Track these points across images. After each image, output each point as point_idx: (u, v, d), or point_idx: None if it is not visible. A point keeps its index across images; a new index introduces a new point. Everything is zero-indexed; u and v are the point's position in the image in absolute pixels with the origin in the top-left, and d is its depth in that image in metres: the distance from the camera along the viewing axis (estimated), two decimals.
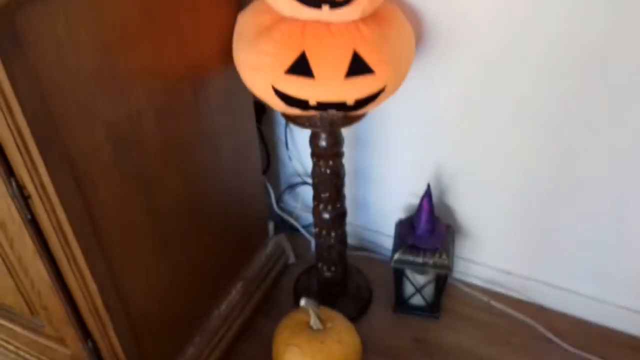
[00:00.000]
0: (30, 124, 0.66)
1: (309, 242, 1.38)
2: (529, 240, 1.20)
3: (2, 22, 0.60)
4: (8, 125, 0.67)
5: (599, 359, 1.15)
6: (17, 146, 0.69)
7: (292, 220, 1.40)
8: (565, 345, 1.18)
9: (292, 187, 1.39)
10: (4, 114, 0.66)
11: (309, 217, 1.36)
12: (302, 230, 1.40)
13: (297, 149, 1.32)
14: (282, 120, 1.28)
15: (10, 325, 1.04)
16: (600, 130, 0.99)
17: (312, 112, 0.91)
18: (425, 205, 1.11)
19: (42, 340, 1.02)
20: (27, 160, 0.70)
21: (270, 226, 1.32)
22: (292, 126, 1.28)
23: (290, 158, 1.33)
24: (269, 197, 1.36)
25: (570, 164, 1.06)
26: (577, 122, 1.00)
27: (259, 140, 1.23)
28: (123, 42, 0.77)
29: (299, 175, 1.35)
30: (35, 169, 0.71)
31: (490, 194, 1.17)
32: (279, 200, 1.40)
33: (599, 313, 1.21)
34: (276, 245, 1.31)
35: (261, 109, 1.25)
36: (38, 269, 0.84)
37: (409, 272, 1.18)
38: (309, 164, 1.13)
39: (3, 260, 0.89)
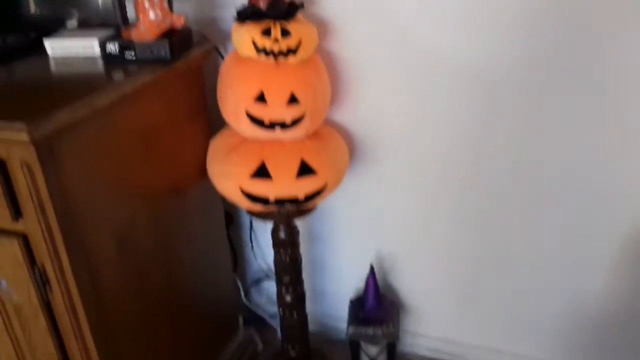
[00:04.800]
0: (58, 219, 0.88)
1: (275, 332, 1.56)
2: (466, 311, 1.42)
3: (45, 146, 0.84)
4: (39, 222, 0.89)
5: None
6: (44, 238, 0.90)
7: (259, 311, 1.59)
8: None
9: (257, 281, 1.59)
10: (37, 213, 0.88)
11: (273, 310, 1.56)
12: (269, 320, 1.58)
13: (261, 250, 1.55)
14: (247, 226, 1.53)
15: None
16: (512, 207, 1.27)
17: (272, 208, 1.16)
18: (371, 283, 1.34)
19: None
20: (52, 250, 0.91)
21: (240, 320, 1.50)
22: (255, 230, 1.53)
23: (255, 257, 1.55)
24: (238, 293, 1.55)
25: (491, 244, 1.31)
26: (491, 203, 1.28)
27: (228, 244, 1.45)
28: (125, 162, 1.02)
29: (264, 271, 1.57)
30: (58, 257, 0.91)
31: (426, 273, 1.41)
32: (246, 294, 1.60)
33: None
34: (246, 334, 1.49)
35: (229, 217, 1.49)
36: (47, 348, 1.01)
37: (363, 345, 1.36)
38: (271, 261, 1.34)
39: (13, 346, 1.05)
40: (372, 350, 1.37)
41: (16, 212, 0.89)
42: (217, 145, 1.19)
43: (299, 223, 1.31)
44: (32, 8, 1.01)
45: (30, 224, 0.89)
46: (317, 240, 1.48)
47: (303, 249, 1.33)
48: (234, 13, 1.07)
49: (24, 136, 0.79)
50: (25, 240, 0.92)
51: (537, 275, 1.31)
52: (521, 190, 1.23)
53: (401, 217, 1.36)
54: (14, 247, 0.92)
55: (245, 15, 1.06)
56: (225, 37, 1.27)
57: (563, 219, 1.22)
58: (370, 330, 1.33)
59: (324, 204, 1.40)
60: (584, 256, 1.25)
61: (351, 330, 1.34)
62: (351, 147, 1.30)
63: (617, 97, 1.08)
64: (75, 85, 0.96)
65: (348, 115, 1.28)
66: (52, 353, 1.02)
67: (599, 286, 1.27)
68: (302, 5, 1.09)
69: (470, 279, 1.38)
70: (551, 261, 1.28)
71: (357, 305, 1.37)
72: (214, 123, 1.23)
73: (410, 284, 1.44)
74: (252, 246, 1.54)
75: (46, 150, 0.84)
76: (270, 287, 1.56)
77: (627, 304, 1.26)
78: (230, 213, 1.50)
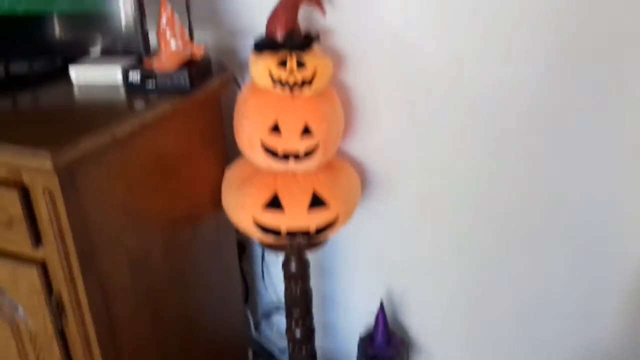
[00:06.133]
0: (76, 247, 0.89)
1: None
2: (475, 352, 1.40)
3: (67, 174, 0.85)
4: (58, 250, 0.89)
5: None
6: (62, 266, 0.91)
7: (268, 345, 1.57)
8: None
9: (268, 314, 1.58)
10: (56, 240, 0.89)
11: (283, 344, 1.55)
12: (278, 355, 1.57)
13: (272, 281, 1.55)
14: (260, 257, 1.53)
15: None
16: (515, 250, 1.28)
17: (283, 239, 1.16)
18: (380, 320, 1.33)
19: None
20: (68, 279, 0.91)
21: (250, 353, 1.49)
22: (267, 262, 1.53)
23: (266, 288, 1.55)
24: (249, 325, 1.54)
25: (500, 286, 1.31)
26: (500, 241, 1.28)
27: (240, 275, 1.45)
28: (143, 190, 1.03)
29: (274, 304, 1.56)
30: (74, 286, 0.92)
31: (436, 311, 1.40)
32: (257, 326, 1.59)
33: None
34: None
35: (241, 248, 1.50)
36: None
37: None
38: (282, 293, 1.34)
39: None
40: None
41: (36, 239, 0.90)
42: (231, 176, 1.21)
43: (310, 256, 1.32)
44: (58, 33, 1.05)
45: (49, 251, 0.91)
46: (328, 274, 1.48)
47: (313, 282, 1.34)
48: (252, 43, 1.10)
49: (47, 164, 0.81)
50: (43, 268, 0.93)
51: (546, 320, 1.30)
52: (531, 230, 1.23)
53: (412, 252, 1.36)
54: (32, 275, 0.93)
55: (262, 46, 1.09)
56: (244, 65, 1.30)
57: (573, 264, 1.22)
58: None
59: (335, 237, 1.41)
60: (593, 303, 1.23)
61: None
62: (363, 179, 1.32)
63: (633, 134, 1.09)
64: (98, 113, 0.99)
65: (360, 146, 1.30)
66: None
67: (608, 336, 1.25)
68: (318, 37, 1.13)
69: (480, 320, 1.36)
70: (560, 306, 1.27)
71: (367, 342, 1.36)
72: (230, 152, 1.25)
73: (420, 322, 1.43)
74: (263, 278, 1.54)
75: (68, 177, 0.86)
76: (281, 320, 1.55)
77: (637, 354, 1.24)
78: (243, 243, 1.50)
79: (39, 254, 0.92)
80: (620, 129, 1.08)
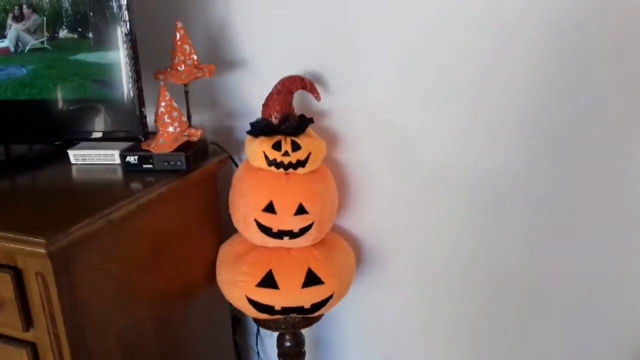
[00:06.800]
0: (67, 330, 0.89)
1: None
2: None
3: (60, 258, 0.86)
4: (49, 332, 0.90)
5: None
6: (52, 348, 0.91)
7: None
8: None
9: None
10: (47, 323, 0.89)
11: None
12: None
13: (267, 355, 1.52)
14: (254, 331, 1.51)
15: None
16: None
17: (278, 316, 1.16)
18: None
19: None
20: None
21: None
22: (261, 335, 1.51)
23: None
24: None
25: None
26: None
27: (234, 348, 1.43)
28: (137, 269, 1.04)
29: None
30: None
31: None
32: None
33: None
34: None
35: (236, 321, 1.48)
36: None
37: None
38: None
39: None
40: None
41: (27, 322, 0.91)
42: (226, 252, 1.21)
43: (305, 330, 1.30)
44: (58, 117, 1.09)
45: (40, 333, 0.91)
46: (323, 348, 1.46)
47: (308, 356, 1.31)
48: (248, 125, 1.13)
49: (41, 250, 0.82)
50: (33, 350, 0.93)
51: None
52: (531, 311, 1.22)
53: (408, 327, 1.35)
54: (22, 357, 0.93)
55: (258, 130, 1.12)
56: (240, 145, 1.33)
57: (563, 337, 1.20)
58: None
59: (331, 311, 1.40)
60: None
61: None
62: (358, 254, 1.32)
63: (620, 222, 1.10)
64: (94, 196, 1.01)
65: (355, 222, 1.31)
66: None
67: None
68: (312, 120, 1.16)
69: None
70: None
71: None
72: (226, 227, 1.26)
73: None
74: (257, 353, 1.52)
75: (62, 261, 0.87)
76: None
77: None
78: (237, 317, 1.49)
79: (29, 335, 0.92)
80: (618, 206, 1.09)
